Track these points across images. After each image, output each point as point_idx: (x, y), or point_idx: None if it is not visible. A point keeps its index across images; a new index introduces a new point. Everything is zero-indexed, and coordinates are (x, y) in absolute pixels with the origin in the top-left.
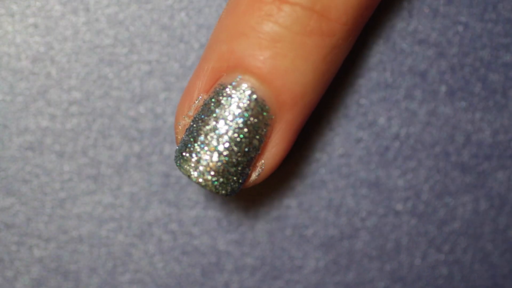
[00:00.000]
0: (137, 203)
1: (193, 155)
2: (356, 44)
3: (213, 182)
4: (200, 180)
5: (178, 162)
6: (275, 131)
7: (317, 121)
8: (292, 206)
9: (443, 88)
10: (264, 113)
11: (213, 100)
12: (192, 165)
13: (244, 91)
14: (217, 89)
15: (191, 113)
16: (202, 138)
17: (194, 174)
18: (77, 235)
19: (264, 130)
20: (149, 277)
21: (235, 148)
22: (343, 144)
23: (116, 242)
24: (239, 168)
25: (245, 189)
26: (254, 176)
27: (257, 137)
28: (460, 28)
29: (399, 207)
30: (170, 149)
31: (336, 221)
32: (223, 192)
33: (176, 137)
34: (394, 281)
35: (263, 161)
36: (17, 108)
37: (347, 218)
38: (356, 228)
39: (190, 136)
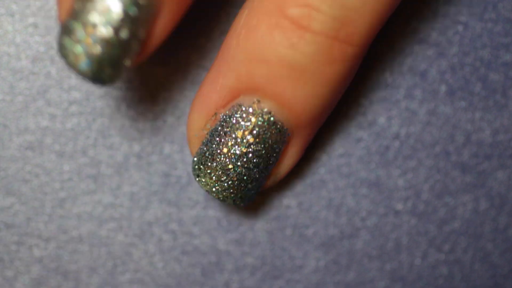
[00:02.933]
0: (137, 202)
1: (212, 173)
2: None
3: (231, 198)
4: (220, 196)
5: (197, 177)
6: (291, 145)
7: None
8: (292, 205)
9: (443, 88)
10: (282, 134)
11: (231, 120)
12: (212, 182)
13: (263, 114)
14: (235, 109)
15: (208, 126)
16: (221, 158)
17: (213, 190)
18: (77, 235)
19: (281, 147)
20: (149, 277)
21: (254, 169)
22: (343, 144)
23: (116, 242)
24: (256, 184)
25: None
26: (268, 184)
27: (274, 155)
28: (460, 27)
29: (399, 206)
30: (170, 148)
31: (336, 220)
32: (241, 204)
33: (191, 149)
34: (394, 280)
35: (278, 170)
36: (17, 108)
37: (347, 217)
38: (356, 228)
39: (207, 153)
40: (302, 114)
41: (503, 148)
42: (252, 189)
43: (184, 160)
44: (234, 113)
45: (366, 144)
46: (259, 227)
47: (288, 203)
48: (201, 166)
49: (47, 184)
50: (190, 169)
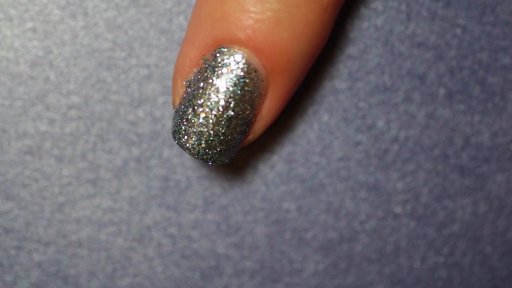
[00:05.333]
0: (136, 207)
1: (191, 128)
2: (354, 48)
3: (213, 152)
4: (199, 151)
5: (177, 136)
6: (269, 96)
7: (316, 124)
8: (291, 209)
9: (442, 91)
10: (258, 80)
11: (207, 71)
12: (191, 137)
13: (237, 62)
14: (212, 59)
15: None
16: (199, 109)
17: (194, 146)
18: (77, 239)
19: (259, 94)
20: (148, 281)
21: (232, 119)
22: (342, 147)
23: (116, 246)
24: (235, 137)
25: (245, 192)
26: (248, 139)
27: (251, 104)
28: (458, 31)
29: (398, 210)
30: (169, 153)
31: (335, 224)
32: (223, 160)
33: (174, 100)
34: (394, 284)
35: (257, 124)
36: (16, 113)
37: (346, 221)
38: (355, 231)
39: (187, 106)
40: (275, 58)
41: (502, 151)
42: (231, 142)
43: (183, 164)
44: (210, 64)
45: (365, 148)
46: (258, 231)
47: (287, 206)
48: (181, 126)
49: (46, 189)
50: (189, 173)
